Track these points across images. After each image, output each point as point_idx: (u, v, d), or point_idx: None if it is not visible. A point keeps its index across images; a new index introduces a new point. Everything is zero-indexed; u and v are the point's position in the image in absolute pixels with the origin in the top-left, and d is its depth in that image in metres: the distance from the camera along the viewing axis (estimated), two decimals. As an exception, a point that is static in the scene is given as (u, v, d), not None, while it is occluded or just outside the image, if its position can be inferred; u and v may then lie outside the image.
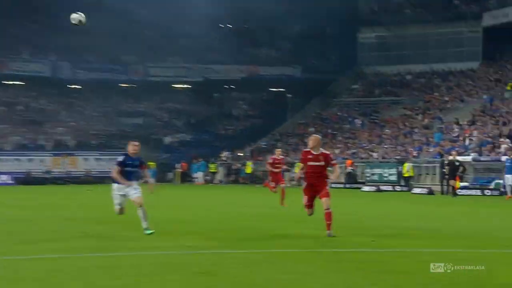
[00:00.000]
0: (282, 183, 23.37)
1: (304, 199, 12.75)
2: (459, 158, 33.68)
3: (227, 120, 67.66)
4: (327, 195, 12.41)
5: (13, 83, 65.35)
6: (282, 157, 24.98)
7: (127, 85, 68.67)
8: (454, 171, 31.78)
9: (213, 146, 62.14)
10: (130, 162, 13.94)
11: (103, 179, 57.56)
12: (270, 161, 24.02)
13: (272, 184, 23.51)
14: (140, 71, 67.90)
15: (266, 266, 8.39)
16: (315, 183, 12.48)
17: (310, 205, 12.71)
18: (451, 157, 33.24)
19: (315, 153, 12.46)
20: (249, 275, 8.47)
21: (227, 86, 69.74)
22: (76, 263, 9.60)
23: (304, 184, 12.78)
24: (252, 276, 8.25)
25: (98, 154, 59.42)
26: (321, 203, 12.52)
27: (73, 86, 67.15)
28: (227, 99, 70.22)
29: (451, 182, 31.83)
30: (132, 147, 14.07)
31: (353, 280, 8.04)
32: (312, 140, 12.72)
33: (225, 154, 59.34)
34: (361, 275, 8.34)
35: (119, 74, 67.15)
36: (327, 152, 12.76)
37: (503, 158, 33.29)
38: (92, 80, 65.80)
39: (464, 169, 33.45)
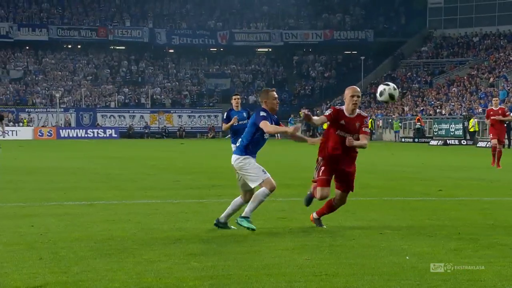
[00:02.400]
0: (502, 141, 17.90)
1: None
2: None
3: (305, 81, 67.57)
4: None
5: (116, 48, 66.85)
6: (502, 107, 18.87)
7: (215, 49, 69.12)
8: None
9: (292, 104, 62.69)
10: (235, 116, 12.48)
11: (195, 134, 58.77)
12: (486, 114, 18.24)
13: (494, 142, 17.60)
14: (227, 36, 68.04)
15: (335, 214, 8.03)
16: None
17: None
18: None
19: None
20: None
21: (305, 50, 69.60)
22: (167, 208, 9.66)
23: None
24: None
25: (190, 112, 60.61)
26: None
27: (167, 51, 68.13)
28: (305, 61, 70.00)
29: None
30: (234, 101, 12.47)
31: (418, 223, 7.94)
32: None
33: (303, 111, 59.14)
34: (423, 221, 8.20)
35: (208, 39, 67.54)
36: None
37: None
38: (184, 45, 66.56)
39: None
